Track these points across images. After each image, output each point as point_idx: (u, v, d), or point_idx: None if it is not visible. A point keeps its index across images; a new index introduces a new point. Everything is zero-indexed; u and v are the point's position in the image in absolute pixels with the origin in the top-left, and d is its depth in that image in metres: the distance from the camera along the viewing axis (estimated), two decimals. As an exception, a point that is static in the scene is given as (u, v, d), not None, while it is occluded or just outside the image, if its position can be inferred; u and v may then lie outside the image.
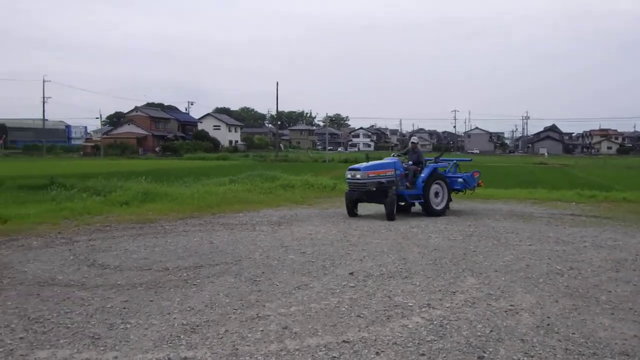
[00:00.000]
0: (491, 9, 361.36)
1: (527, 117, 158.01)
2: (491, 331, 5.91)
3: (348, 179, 15.36)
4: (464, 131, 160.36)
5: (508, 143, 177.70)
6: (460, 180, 16.71)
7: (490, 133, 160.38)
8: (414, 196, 15.27)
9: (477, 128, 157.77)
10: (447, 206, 15.92)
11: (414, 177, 15.56)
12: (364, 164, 15.69)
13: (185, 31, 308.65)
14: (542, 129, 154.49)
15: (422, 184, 15.30)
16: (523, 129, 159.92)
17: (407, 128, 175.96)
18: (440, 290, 7.53)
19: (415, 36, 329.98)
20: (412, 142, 17.03)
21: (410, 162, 15.96)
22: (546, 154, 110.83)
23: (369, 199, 15.22)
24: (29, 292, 7.28)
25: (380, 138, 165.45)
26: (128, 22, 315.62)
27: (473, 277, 8.30)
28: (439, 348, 5.43)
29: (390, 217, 14.38)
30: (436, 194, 15.62)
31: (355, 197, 15.13)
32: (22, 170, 33.23)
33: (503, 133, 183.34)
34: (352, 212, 15.20)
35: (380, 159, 16.96)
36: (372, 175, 14.83)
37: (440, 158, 17.88)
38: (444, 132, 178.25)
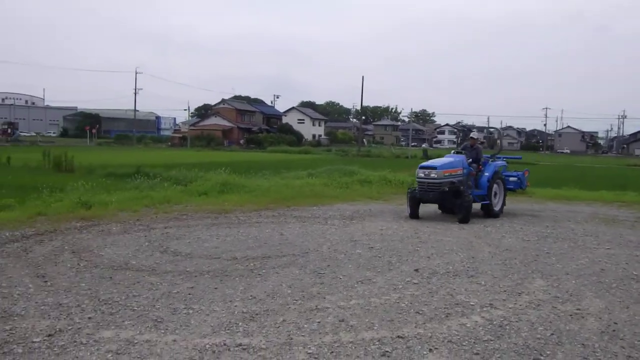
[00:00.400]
0: (588, 4, 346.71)
1: (624, 117, 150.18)
2: (552, 334, 5.75)
3: (420, 178, 13.94)
4: (554, 130, 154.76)
5: (602, 143, 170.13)
6: (513, 179, 16.13)
7: (583, 132, 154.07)
8: (480, 197, 14.42)
9: (568, 127, 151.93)
10: (502, 208, 15.06)
11: (475, 175, 14.63)
12: (439, 161, 14.24)
13: (273, 26, 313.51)
14: (639, 129, 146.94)
15: (487, 184, 14.52)
16: (619, 128, 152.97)
17: (495, 126, 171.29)
18: (505, 291, 7.37)
19: (504, 31, 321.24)
20: (472, 138, 15.64)
21: (470, 160, 14.78)
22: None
23: (440, 201, 14.15)
24: (102, 275, 7.67)
25: (466, 135, 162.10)
26: (217, 17, 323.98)
27: (542, 279, 8.07)
28: (494, 348, 5.34)
29: (465, 220, 13.23)
30: (495, 194, 14.84)
31: (427, 198, 13.93)
32: (112, 159, 34.79)
33: (597, 133, 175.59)
34: (416, 213, 14.02)
35: (440, 156, 15.86)
36: (446, 174, 13.66)
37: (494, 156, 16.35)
38: (532, 130, 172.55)
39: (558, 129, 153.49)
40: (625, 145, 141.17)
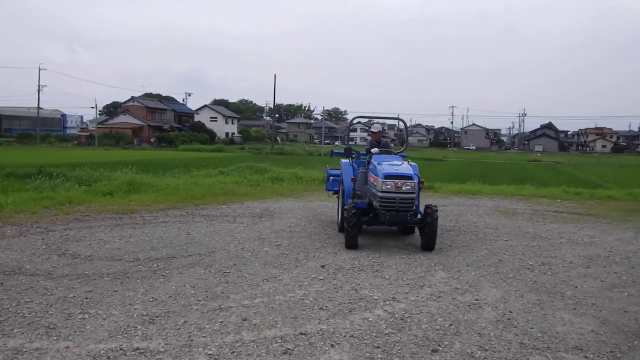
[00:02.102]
0: (494, 4, 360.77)
1: (524, 115, 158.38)
2: (450, 325, 5.92)
3: (387, 192, 9.47)
4: (460, 127, 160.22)
5: (504, 140, 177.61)
6: None
7: (487, 130, 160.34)
8: None
9: (474, 124, 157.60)
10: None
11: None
12: (406, 167, 10.13)
13: (186, 22, 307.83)
14: (538, 127, 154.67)
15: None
16: (520, 126, 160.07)
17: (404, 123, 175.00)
18: (408, 284, 7.53)
19: (414, 32, 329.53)
20: (374, 132, 11.79)
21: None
22: (539, 152, 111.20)
23: (414, 223, 10.02)
24: (-8, 281, 7.24)
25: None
26: (129, 11, 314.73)
27: (444, 271, 8.30)
28: (395, 341, 5.43)
29: (433, 245, 9.82)
30: None
31: (401, 220, 9.78)
32: (13, 158, 33.05)
33: (500, 130, 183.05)
34: (356, 242, 9.86)
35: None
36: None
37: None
38: (440, 128, 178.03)
39: (464, 126, 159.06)
40: (526, 142, 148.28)
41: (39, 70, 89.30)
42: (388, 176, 9.55)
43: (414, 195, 9.62)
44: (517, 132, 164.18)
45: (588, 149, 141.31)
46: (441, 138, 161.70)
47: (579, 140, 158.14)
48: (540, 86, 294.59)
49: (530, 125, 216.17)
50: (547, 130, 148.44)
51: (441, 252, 9.63)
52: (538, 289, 7.42)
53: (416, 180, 9.74)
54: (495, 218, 13.95)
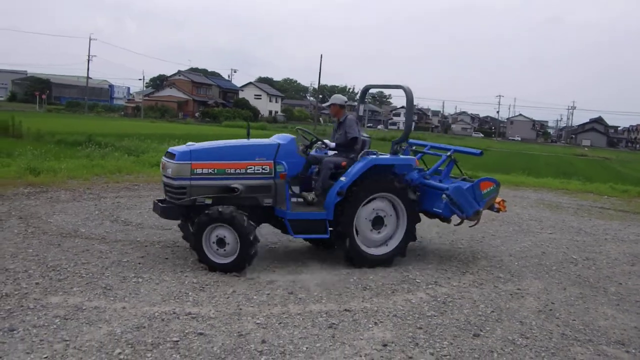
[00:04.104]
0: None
1: (573, 107, 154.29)
2: (492, 311, 5.99)
3: (164, 175, 7.41)
4: (506, 117, 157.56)
5: (551, 132, 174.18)
6: (445, 194, 7.74)
7: (534, 121, 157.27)
8: (314, 223, 7.28)
9: (520, 115, 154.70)
10: (401, 248, 7.73)
11: (331, 179, 7.51)
12: (194, 144, 7.43)
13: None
14: (587, 120, 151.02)
15: (336, 198, 7.22)
16: (568, 119, 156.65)
17: (449, 110, 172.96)
18: (450, 270, 7.60)
19: (462, 17, 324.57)
20: (332, 104, 8.18)
21: (330, 146, 8.00)
22: (586, 146, 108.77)
23: (185, 221, 7.58)
24: (50, 241, 7.59)
25: (421, 118, 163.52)
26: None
27: (486, 259, 8.34)
28: (437, 323, 5.54)
29: (237, 268, 6.80)
30: (376, 221, 7.59)
31: (161, 211, 7.36)
32: (62, 126, 33.79)
33: (547, 122, 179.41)
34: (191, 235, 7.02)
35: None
36: (206, 171, 7.02)
37: (410, 141, 9.04)
38: (485, 117, 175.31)
39: (510, 116, 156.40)
40: (573, 135, 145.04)
41: (90, 40, 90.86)
42: (167, 153, 7.40)
43: (179, 184, 6.98)
44: (565, 125, 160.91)
45: (638, 145, 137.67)
46: (486, 127, 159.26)
47: (629, 136, 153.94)
48: (591, 79, 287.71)
49: (579, 118, 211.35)
50: (597, 124, 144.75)
51: (484, 241, 9.65)
52: (581, 283, 7.41)
53: (186, 161, 6.98)
54: (539, 211, 13.83)
